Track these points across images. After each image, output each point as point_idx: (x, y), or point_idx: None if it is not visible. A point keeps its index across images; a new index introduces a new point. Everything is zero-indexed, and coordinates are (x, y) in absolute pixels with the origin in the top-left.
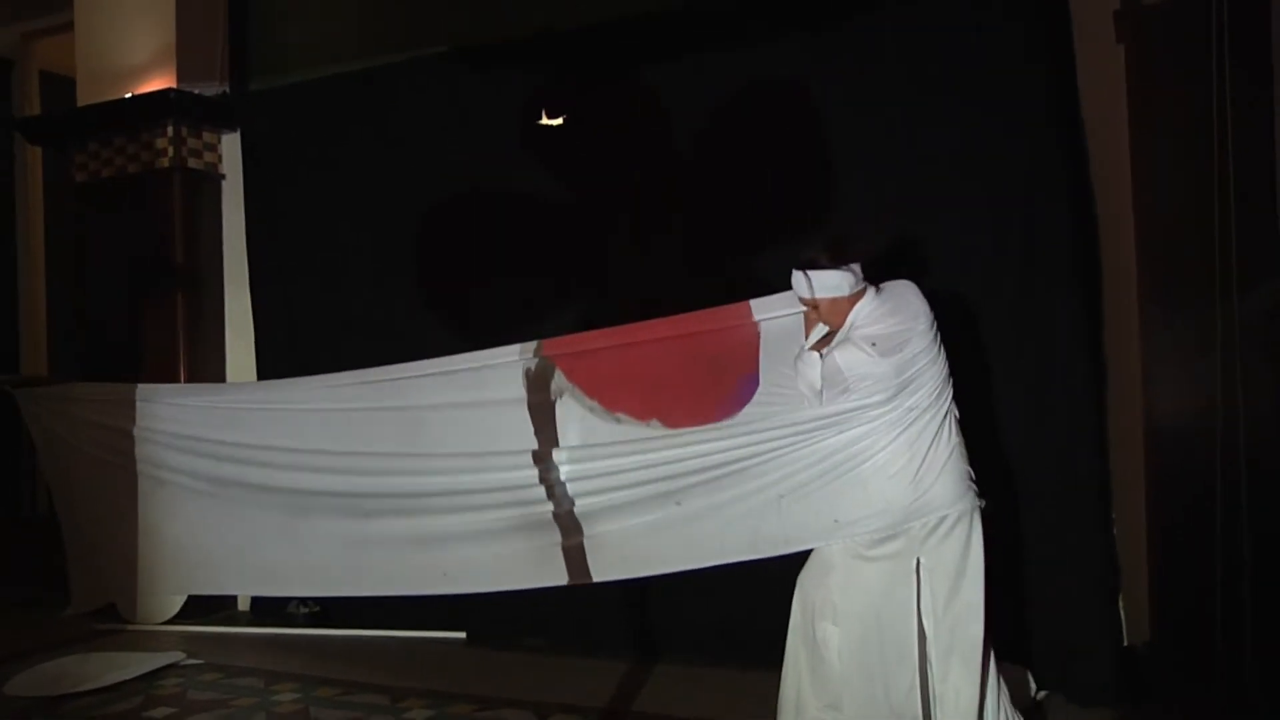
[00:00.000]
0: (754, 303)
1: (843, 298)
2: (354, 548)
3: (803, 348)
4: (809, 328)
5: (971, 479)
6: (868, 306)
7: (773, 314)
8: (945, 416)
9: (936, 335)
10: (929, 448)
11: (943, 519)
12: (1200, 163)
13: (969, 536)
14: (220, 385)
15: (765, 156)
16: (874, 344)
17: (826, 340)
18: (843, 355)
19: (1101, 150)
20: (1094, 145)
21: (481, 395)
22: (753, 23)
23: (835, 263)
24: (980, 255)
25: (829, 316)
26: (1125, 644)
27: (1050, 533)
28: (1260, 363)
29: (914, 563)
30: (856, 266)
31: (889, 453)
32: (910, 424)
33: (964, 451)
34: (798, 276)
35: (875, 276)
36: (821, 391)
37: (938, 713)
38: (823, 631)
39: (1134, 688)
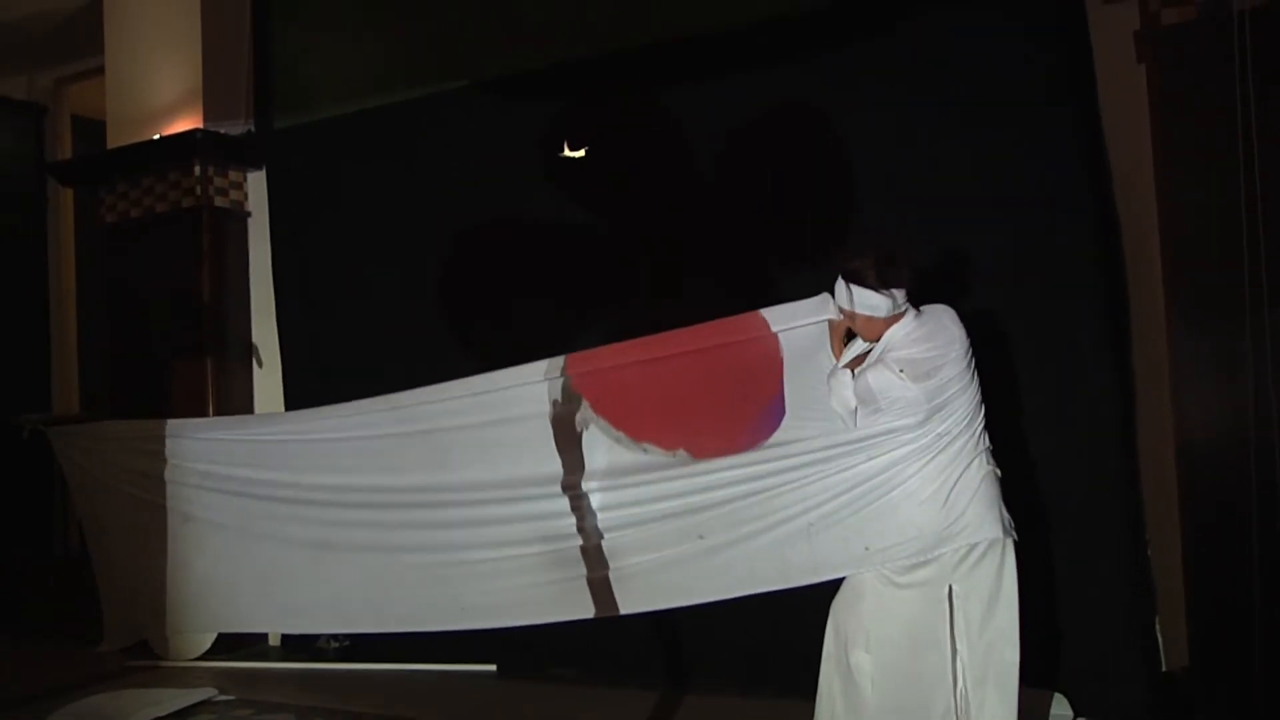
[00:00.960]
0: (766, 313)
1: (879, 318)
2: (381, 584)
3: (836, 366)
4: (835, 339)
5: (1004, 508)
6: (903, 330)
7: (790, 325)
8: (977, 443)
9: (971, 362)
10: (960, 474)
11: (974, 546)
12: (1225, 178)
13: (1001, 563)
14: (248, 417)
15: (787, 178)
16: (902, 369)
17: (860, 360)
18: (875, 376)
19: (1125, 168)
20: (1117, 163)
21: (509, 427)
22: (771, 45)
23: (881, 283)
24: (1004, 275)
25: (863, 329)
26: (1163, 669)
27: (1084, 556)
28: None
29: (946, 590)
30: (900, 293)
31: (920, 478)
32: (942, 450)
33: (996, 481)
34: (840, 286)
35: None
36: (856, 411)
37: None
38: (856, 659)
39: (1173, 713)
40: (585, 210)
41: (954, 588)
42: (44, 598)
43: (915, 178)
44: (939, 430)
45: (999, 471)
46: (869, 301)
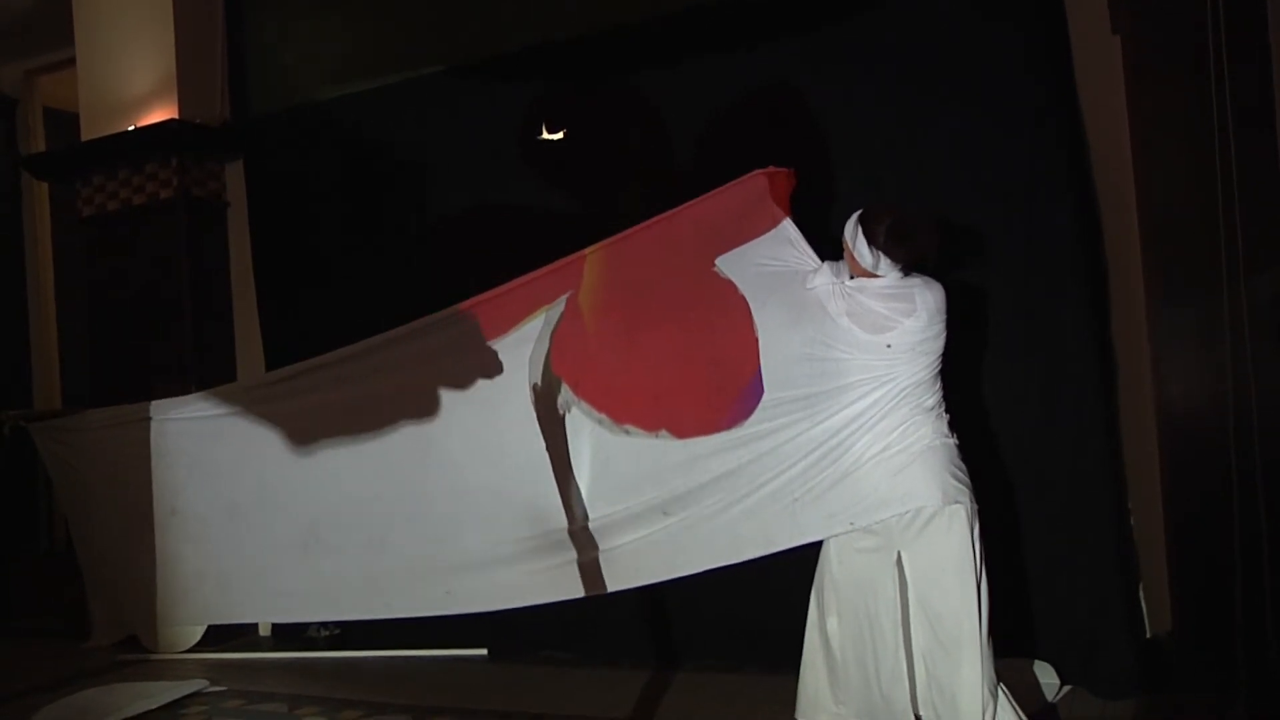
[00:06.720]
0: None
1: (859, 264)
2: (371, 571)
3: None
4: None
5: (958, 479)
6: (879, 284)
7: (739, 262)
8: (928, 411)
9: (937, 334)
10: (907, 437)
11: (918, 511)
12: (1202, 149)
13: (949, 531)
14: (231, 388)
15: (764, 160)
16: (848, 314)
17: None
18: (822, 276)
19: (1102, 141)
20: (1094, 136)
21: (492, 413)
22: (749, 27)
23: (877, 243)
24: (983, 252)
25: (849, 261)
26: (1148, 635)
27: (1068, 527)
28: (1270, 348)
29: (895, 556)
30: (888, 262)
31: (871, 435)
32: (890, 412)
33: (952, 452)
34: (854, 219)
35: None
36: (826, 281)
37: (933, 713)
38: (831, 626)
39: (1157, 678)
40: (566, 194)
41: (903, 554)
42: (31, 594)
43: (893, 156)
44: (892, 389)
45: (955, 440)
46: (860, 248)
